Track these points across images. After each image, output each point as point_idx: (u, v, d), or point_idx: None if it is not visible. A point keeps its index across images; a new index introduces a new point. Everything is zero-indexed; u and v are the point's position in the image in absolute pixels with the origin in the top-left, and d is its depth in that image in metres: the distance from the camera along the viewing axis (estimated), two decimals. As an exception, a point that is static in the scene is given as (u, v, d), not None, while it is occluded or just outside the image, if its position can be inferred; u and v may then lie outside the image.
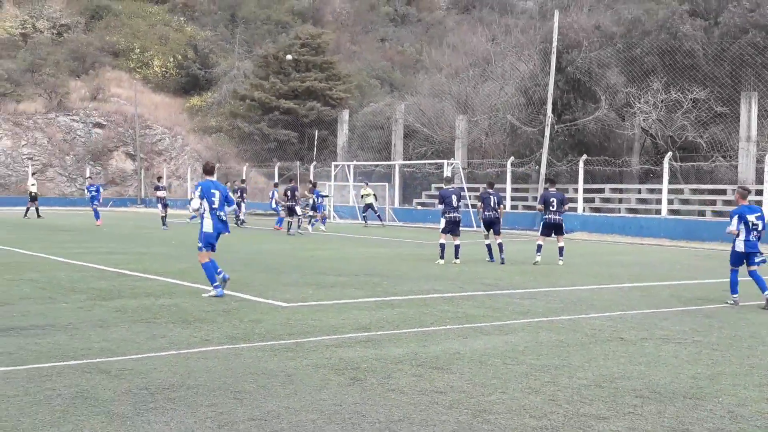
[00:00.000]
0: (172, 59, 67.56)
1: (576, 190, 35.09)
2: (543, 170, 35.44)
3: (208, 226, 11.80)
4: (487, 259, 18.47)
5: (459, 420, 5.53)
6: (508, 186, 36.89)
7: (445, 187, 18.50)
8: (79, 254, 17.74)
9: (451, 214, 17.71)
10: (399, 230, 33.35)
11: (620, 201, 36.13)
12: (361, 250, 21.92)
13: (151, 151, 60.88)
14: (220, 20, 76.96)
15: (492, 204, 18.49)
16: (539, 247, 18.05)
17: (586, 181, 35.04)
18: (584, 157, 34.45)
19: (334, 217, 41.95)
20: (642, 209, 34.51)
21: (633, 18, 39.63)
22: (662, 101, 35.00)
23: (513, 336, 8.79)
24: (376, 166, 46.58)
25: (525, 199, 38.67)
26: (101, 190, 35.30)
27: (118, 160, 60.03)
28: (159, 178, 38.07)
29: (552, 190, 18.51)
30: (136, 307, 10.29)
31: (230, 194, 12.24)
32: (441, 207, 18.01)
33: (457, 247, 17.86)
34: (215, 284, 11.63)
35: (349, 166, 44.11)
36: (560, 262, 17.78)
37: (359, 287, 12.90)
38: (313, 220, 31.74)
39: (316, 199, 31.99)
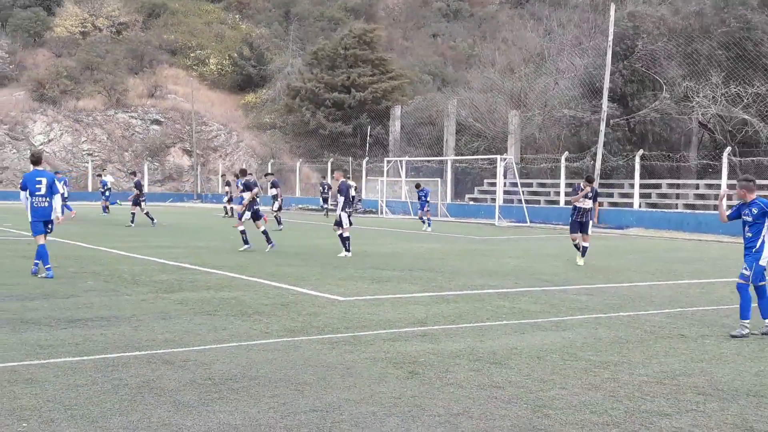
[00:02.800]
0: (227, 57, 68.45)
1: (632, 186, 34.58)
2: (598, 165, 35.00)
3: (30, 213, 12.69)
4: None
5: (519, 415, 5.54)
6: (562, 181, 36.53)
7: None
8: (140, 248, 18.14)
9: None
10: (451, 226, 33.28)
11: (677, 196, 35.46)
12: (415, 245, 21.96)
13: (207, 147, 61.76)
14: (274, 17, 77.66)
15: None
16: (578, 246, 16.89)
17: (642, 176, 34.51)
18: (640, 151, 33.92)
19: (386, 212, 42.06)
20: (700, 205, 33.83)
21: (695, 9, 38.83)
22: (722, 95, 34.26)
23: (570, 332, 8.74)
24: (428, 161, 46.56)
25: (580, 194, 38.19)
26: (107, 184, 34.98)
27: (175, 156, 61.06)
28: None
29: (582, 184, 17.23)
30: (196, 299, 10.50)
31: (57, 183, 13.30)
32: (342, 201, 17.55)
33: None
34: (47, 266, 12.49)
35: (401, 161, 44.17)
36: (580, 262, 16.52)
37: (414, 282, 12.95)
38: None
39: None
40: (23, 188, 12.76)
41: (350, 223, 17.51)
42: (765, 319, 8.80)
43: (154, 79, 64.37)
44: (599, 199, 20.73)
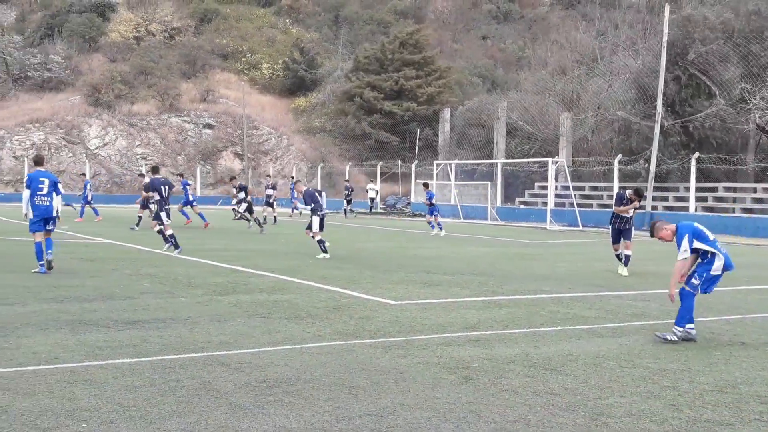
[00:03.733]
0: (278, 61, 69.09)
1: (687, 189, 33.95)
2: (653, 168, 34.46)
3: (32, 211, 13.66)
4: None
5: (576, 422, 5.45)
6: (615, 185, 36.01)
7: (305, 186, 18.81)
8: (194, 251, 18.37)
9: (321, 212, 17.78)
10: (502, 229, 33.05)
11: (734, 200, 34.70)
12: (466, 249, 21.85)
13: (258, 150, 62.39)
14: (324, 22, 78.16)
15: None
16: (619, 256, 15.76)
17: (698, 180, 33.87)
18: (696, 154, 33.28)
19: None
20: (758, 209, 33.05)
21: (752, 9, 37.97)
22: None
23: (627, 338, 8.58)
24: (478, 164, 46.36)
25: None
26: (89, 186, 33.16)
27: (227, 160, 61.81)
28: (267, 176, 39.03)
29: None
30: (250, 302, 10.58)
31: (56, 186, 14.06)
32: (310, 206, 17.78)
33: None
34: (40, 262, 13.42)
35: (450, 164, 44.04)
36: (624, 272, 15.33)
37: (465, 286, 12.87)
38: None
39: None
40: (27, 186, 13.81)
41: (321, 228, 17.61)
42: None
43: (207, 83, 65.28)
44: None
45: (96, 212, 31.01)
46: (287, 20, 78.16)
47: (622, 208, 15.53)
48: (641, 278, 14.74)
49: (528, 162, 42.75)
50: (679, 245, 8.39)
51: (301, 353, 7.47)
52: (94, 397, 5.82)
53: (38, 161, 14.65)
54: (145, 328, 8.57)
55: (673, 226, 8.65)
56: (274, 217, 32.44)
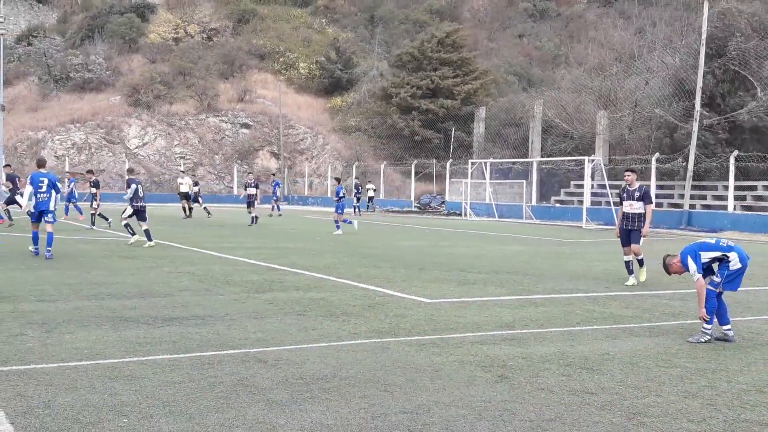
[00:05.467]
0: (315, 61, 69.42)
1: (726, 188, 33.45)
2: (690, 166, 34.03)
3: (31, 204, 16.22)
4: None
5: (613, 422, 5.44)
6: (653, 183, 35.64)
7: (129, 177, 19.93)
8: (231, 249, 18.58)
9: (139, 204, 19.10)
10: (537, 228, 32.88)
11: (775, 199, 34.15)
12: (500, 247, 21.79)
13: (294, 150, 62.79)
14: (360, 21, 78.39)
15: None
16: (629, 264, 13.64)
17: (737, 178, 33.36)
18: (735, 152, 32.78)
19: (470, 214, 41.88)
20: (800, 208, 32.48)
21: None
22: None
23: (664, 338, 8.51)
24: (513, 163, 46.15)
25: (671, 196, 37.26)
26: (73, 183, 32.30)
27: (263, 159, 62.30)
28: (249, 173, 39.34)
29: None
30: (286, 299, 10.68)
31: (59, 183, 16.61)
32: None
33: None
34: (36, 246, 16.04)
35: (485, 163, 43.90)
36: (632, 281, 13.32)
37: (500, 285, 12.85)
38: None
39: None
40: (30, 183, 16.17)
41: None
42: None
43: (244, 83, 65.85)
44: (654, 201, 15.68)
45: (79, 210, 30.02)
46: (323, 20, 78.52)
47: (626, 203, 13.33)
48: (679, 277, 14.56)
49: (564, 160, 42.46)
50: (687, 269, 8.45)
51: (337, 350, 7.54)
52: (134, 392, 5.93)
53: (40, 164, 16.85)
54: (183, 324, 8.70)
55: (678, 257, 8.66)
56: (254, 217, 30.20)
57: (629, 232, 13.28)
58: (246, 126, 62.92)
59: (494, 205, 41.82)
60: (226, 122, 62.85)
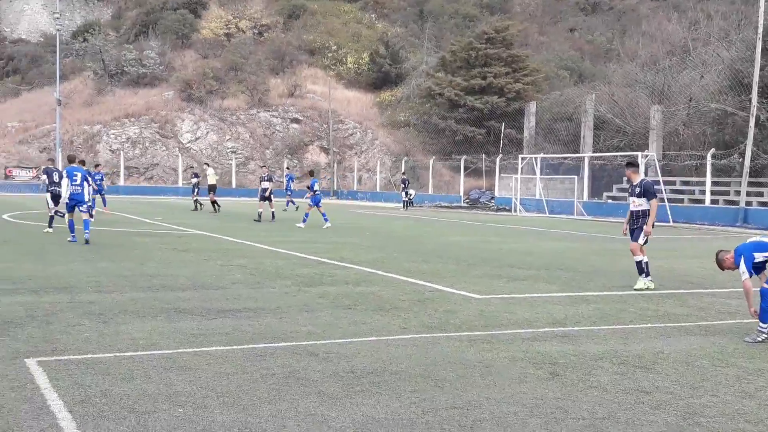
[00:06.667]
0: (364, 56, 69.56)
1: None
2: (747, 162, 33.26)
3: (66, 196, 17.49)
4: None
5: (667, 421, 5.35)
6: (708, 179, 34.95)
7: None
8: (281, 242, 18.75)
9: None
10: (588, 225, 32.49)
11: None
12: (550, 244, 21.59)
13: (343, 145, 63.05)
14: (409, 16, 78.30)
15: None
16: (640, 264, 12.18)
17: (797, 175, 32.51)
18: (795, 148, 31.97)
19: (520, 210, 41.58)
20: None
21: None
22: None
23: (720, 337, 8.35)
24: (564, 158, 45.65)
25: (727, 193, 36.48)
26: (104, 177, 32.78)
27: (313, 154, 62.69)
28: (263, 167, 38.15)
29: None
30: (336, 293, 10.75)
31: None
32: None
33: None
34: (72, 234, 17.38)
35: (536, 158, 43.52)
36: (639, 285, 12.02)
37: (551, 281, 12.73)
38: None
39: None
40: (67, 176, 17.61)
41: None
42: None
43: (294, 78, 66.32)
44: (659, 196, 13.24)
45: (105, 202, 30.50)
46: (373, 15, 78.63)
47: (629, 199, 12.36)
48: (735, 276, 14.26)
49: (616, 156, 41.82)
50: (739, 267, 8.34)
51: (387, 345, 7.55)
52: (189, 383, 6.03)
53: (71, 159, 18.52)
54: (236, 317, 8.81)
55: (731, 253, 8.51)
56: (270, 213, 28.75)
57: (632, 231, 12.20)
58: (296, 121, 63.37)
59: (545, 200, 41.45)
60: (276, 117, 63.38)
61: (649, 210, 12.00)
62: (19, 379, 6.02)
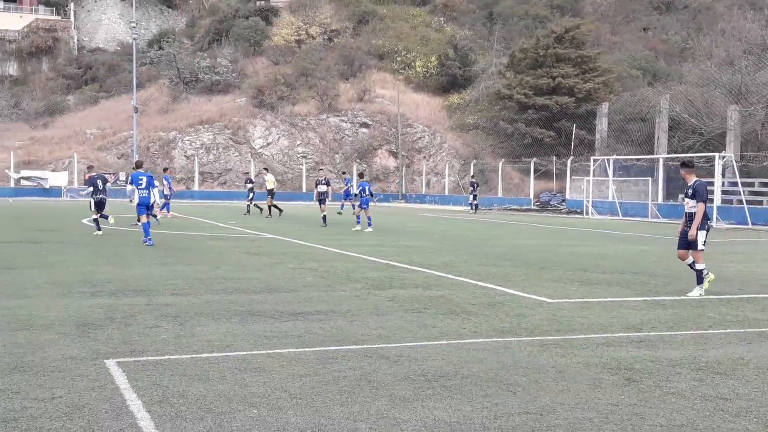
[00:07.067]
0: (433, 59, 69.49)
1: None
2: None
3: (137, 199, 19.03)
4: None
5: (748, 429, 5.19)
6: (790, 181, 33.77)
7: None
8: (351, 246, 18.87)
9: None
10: (664, 227, 31.73)
11: None
12: (624, 247, 21.17)
13: (412, 148, 63.11)
14: (478, 19, 77.90)
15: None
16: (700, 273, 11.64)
17: None
18: None
19: (592, 213, 40.91)
20: None
21: None
22: None
23: (805, 344, 8.06)
24: (638, 160, 44.73)
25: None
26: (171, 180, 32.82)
27: (382, 158, 62.92)
28: (320, 169, 38.43)
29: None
30: (406, 297, 10.76)
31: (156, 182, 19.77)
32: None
33: None
34: (149, 236, 18.28)
35: (608, 160, 42.76)
36: (696, 291, 11.49)
37: (625, 285, 12.49)
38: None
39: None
40: (131, 183, 19.37)
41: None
42: None
43: (363, 83, 66.68)
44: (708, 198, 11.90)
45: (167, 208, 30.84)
46: (441, 18, 78.50)
47: (688, 201, 11.70)
48: (820, 281, 13.76)
49: (692, 157, 40.74)
50: None
51: (458, 349, 7.52)
52: (263, 384, 6.12)
53: (138, 165, 20.36)
54: (308, 319, 8.90)
55: None
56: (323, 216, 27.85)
57: (685, 234, 11.62)
58: (365, 125, 63.71)
59: (618, 203, 40.68)
60: (345, 122, 63.85)
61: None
62: (99, 379, 6.20)
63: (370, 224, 25.01)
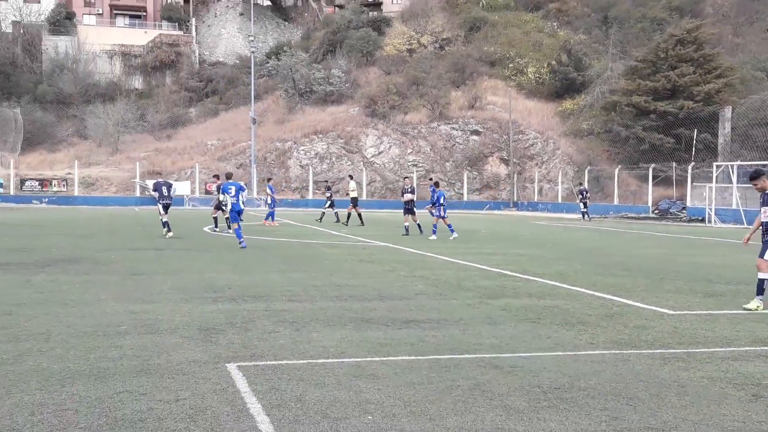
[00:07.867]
0: (545, 65, 68.52)
1: None
2: None
3: (230, 207, 20.75)
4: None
5: None
6: None
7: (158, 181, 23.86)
8: (463, 254, 18.80)
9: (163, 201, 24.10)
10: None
11: None
12: (750, 257, 20.07)
13: (524, 155, 62.35)
14: (593, 22, 76.24)
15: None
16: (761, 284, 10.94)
17: None
18: None
19: (714, 221, 39.27)
20: None
21: None
22: None
23: None
24: (764, 165, 42.64)
25: None
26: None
27: (493, 165, 62.45)
28: (406, 178, 37.25)
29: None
30: (519, 306, 10.63)
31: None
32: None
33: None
34: (241, 240, 19.75)
35: (732, 166, 40.97)
36: (752, 306, 10.75)
37: (752, 297, 11.89)
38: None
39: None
40: (223, 192, 21.55)
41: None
42: None
43: (474, 90, 66.42)
44: None
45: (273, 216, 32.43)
46: (554, 23, 77.28)
47: (765, 209, 11.10)
48: None
49: (763, 165, 38.57)
50: None
51: (574, 360, 7.38)
52: (377, 391, 6.18)
53: (228, 176, 22.05)
54: (421, 327, 8.93)
55: None
56: (406, 226, 27.14)
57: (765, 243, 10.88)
58: (476, 133, 63.42)
59: (743, 211, 38.90)
60: (456, 129, 63.75)
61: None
62: (221, 382, 6.42)
63: (452, 231, 24.57)
